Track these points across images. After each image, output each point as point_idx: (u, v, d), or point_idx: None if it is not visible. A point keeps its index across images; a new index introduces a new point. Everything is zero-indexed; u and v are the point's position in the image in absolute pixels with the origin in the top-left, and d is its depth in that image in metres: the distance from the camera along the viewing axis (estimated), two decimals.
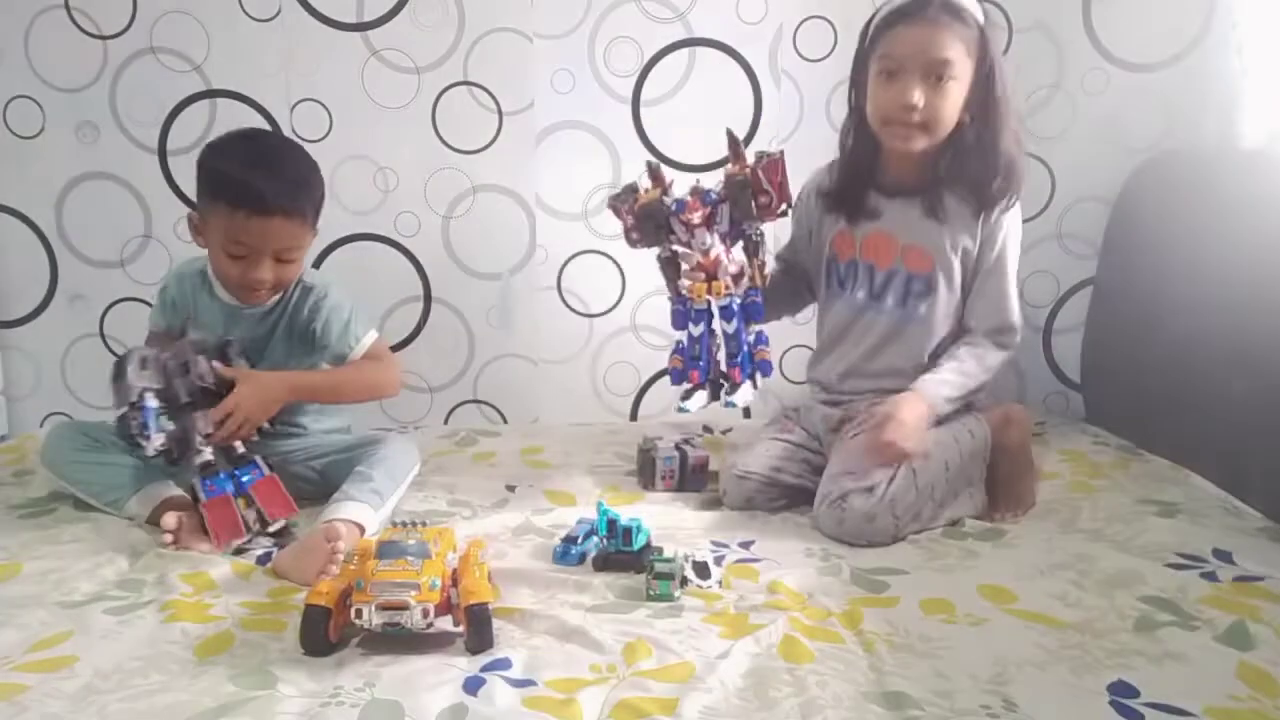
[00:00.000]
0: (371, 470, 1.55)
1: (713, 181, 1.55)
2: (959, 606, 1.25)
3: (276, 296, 1.63)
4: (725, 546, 1.46)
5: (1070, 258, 2.15)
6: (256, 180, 1.47)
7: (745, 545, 1.47)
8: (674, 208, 1.52)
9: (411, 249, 2.12)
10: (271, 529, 1.47)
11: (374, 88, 2.04)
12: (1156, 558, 1.39)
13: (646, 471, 1.74)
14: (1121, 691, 1.06)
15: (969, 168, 1.58)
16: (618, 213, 1.61)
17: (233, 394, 1.48)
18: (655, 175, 1.57)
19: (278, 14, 2.00)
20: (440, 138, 2.07)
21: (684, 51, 2.06)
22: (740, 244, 1.56)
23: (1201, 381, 1.73)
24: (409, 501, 1.65)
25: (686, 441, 1.79)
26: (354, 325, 1.66)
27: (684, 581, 1.31)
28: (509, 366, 2.19)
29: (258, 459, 1.51)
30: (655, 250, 1.58)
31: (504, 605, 1.24)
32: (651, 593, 1.28)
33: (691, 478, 1.72)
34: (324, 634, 1.13)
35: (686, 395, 1.58)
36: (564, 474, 1.81)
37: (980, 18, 1.53)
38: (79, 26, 1.99)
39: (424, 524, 1.23)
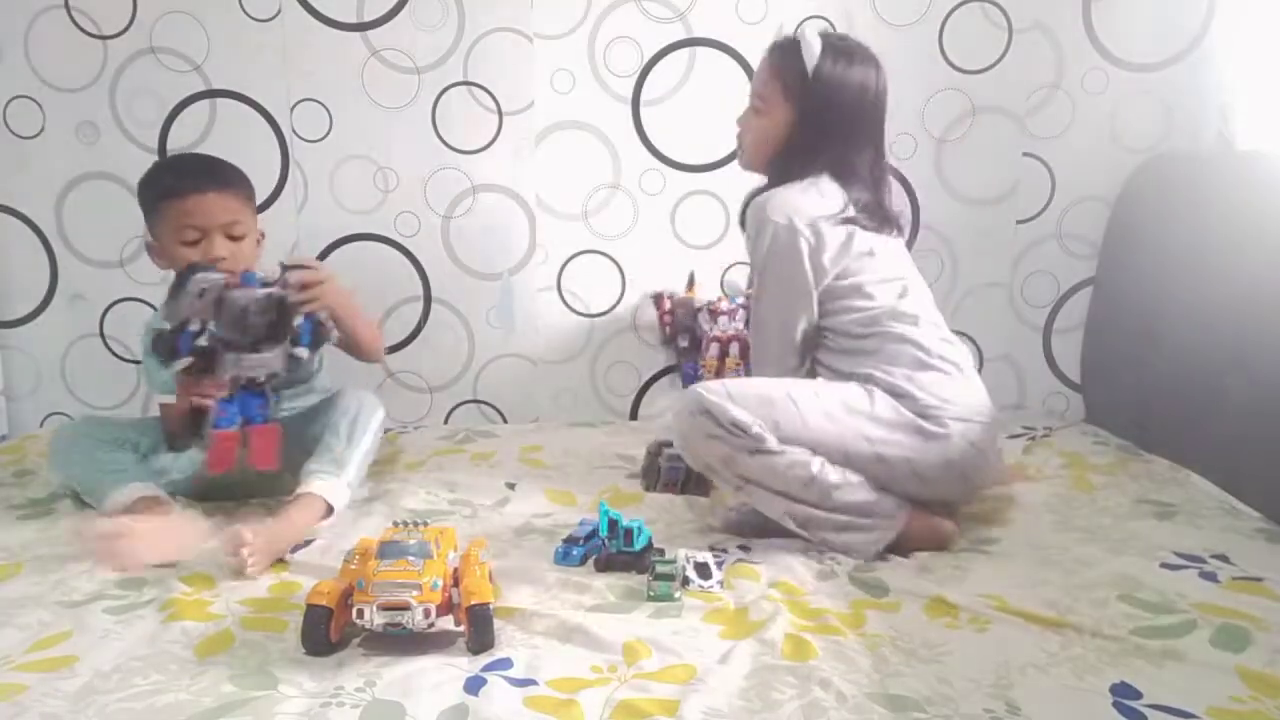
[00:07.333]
0: (334, 436, 1.59)
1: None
2: (961, 610, 1.25)
3: None
4: (724, 551, 1.45)
5: (1070, 258, 2.15)
6: (184, 166, 1.72)
7: (743, 549, 1.46)
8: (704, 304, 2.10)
9: (411, 249, 2.12)
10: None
11: (374, 88, 2.04)
12: (1156, 558, 1.39)
13: (650, 475, 1.74)
14: (1124, 693, 1.06)
15: None
16: (658, 304, 2.13)
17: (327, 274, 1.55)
18: (690, 283, 2.14)
19: (278, 14, 2.00)
20: (440, 138, 2.07)
21: (684, 51, 2.06)
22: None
23: (1201, 382, 1.73)
24: (410, 501, 1.65)
25: None
26: None
27: (686, 581, 1.31)
28: (509, 366, 2.19)
29: (268, 392, 1.49)
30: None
31: (505, 605, 1.24)
32: (651, 593, 1.28)
33: (695, 485, 1.71)
34: (325, 634, 1.13)
35: None
36: (564, 474, 1.81)
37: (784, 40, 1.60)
38: (79, 26, 1.98)
39: (425, 524, 1.23)
